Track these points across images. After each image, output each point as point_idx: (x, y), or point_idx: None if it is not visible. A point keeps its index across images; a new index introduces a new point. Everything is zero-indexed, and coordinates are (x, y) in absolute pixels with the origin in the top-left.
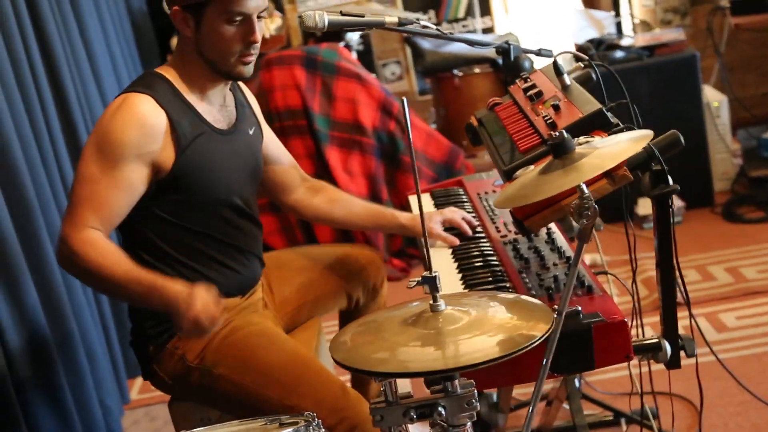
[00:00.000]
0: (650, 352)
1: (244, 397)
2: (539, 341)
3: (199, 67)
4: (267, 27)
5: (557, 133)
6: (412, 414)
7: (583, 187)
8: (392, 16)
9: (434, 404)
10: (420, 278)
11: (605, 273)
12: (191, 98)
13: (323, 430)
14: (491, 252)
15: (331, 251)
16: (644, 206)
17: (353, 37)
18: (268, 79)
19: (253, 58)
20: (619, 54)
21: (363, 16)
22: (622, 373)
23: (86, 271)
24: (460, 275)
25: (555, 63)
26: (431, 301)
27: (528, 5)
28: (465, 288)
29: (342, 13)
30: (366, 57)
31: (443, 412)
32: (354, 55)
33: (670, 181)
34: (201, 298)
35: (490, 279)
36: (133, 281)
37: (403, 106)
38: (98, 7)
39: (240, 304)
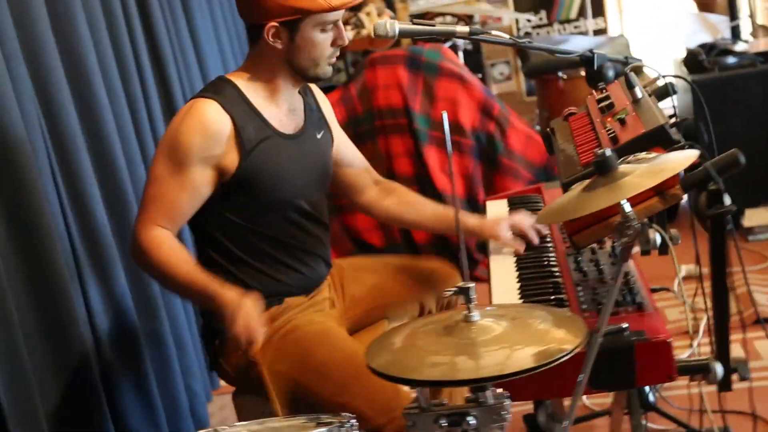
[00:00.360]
0: (699, 372)
1: (299, 394)
2: (566, 356)
3: (274, 75)
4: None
5: (600, 151)
6: (442, 422)
7: (625, 205)
8: (464, 27)
9: (465, 413)
10: (456, 288)
11: (665, 289)
12: (258, 103)
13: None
14: (554, 263)
15: (411, 262)
16: (751, 218)
17: None
18: (372, 77)
19: (334, 60)
20: (731, 60)
21: (434, 26)
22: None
23: (151, 267)
24: (519, 284)
25: (626, 75)
26: (465, 312)
27: (642, 7)
28: (521, 297)
29: (413, 22)
30: (475, 57)
31: (473, 422)
32: (461, 56)
33: (727, 201)
34: (244, 316)
35: (547, 290)
36: (192, 283)
37: (443, 118)
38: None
39: (304, 303)
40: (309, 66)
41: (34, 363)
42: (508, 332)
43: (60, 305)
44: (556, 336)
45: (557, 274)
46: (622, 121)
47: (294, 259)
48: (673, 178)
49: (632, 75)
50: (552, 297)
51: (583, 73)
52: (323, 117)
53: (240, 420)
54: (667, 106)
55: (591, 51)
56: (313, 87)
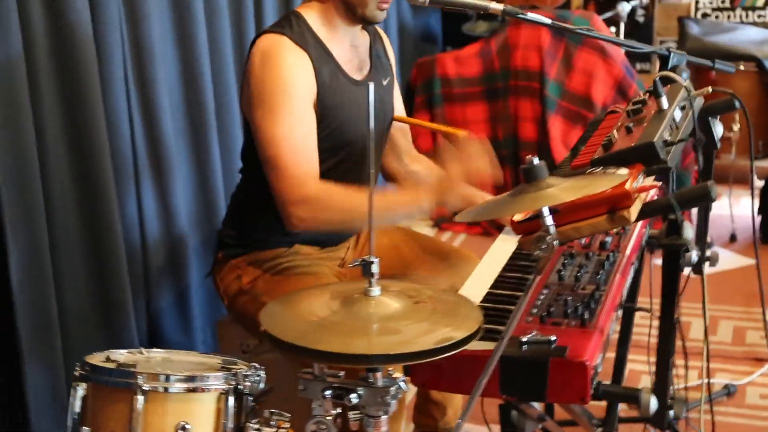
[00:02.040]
0: (626, 401)
1: None
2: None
3: (336, 7)
4: None
5: (529, 159)
6: (326, 393)
7: (546, 218)
8: (498, 4)
9: (351, 389)
10: (359, 260)
11: (643, 309)
12: (327, 38)
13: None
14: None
15: (437, 243)
16: None
17: (625, 7)
18: (515, 36)
19: (388, 5)
20: None
21: None
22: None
23: (333, 223)
24: (501, 271)
25: (654, 83)
26: (366, 285)
27: None
28: (492, 285)
29: None
30: (645, 32)
31: (355, 400)
32: (620, 28)
33: (689, 234)
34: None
35: (513, 285)
36: (384, 212)
37: (368, 93)
38: None
39: (313, 254)
40: (358, 3)
41: (68, 257)
42: (404, 313)
43: (105, 205)
44: (448, 326)
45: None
46: (628, 130)
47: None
48: (626, 200)
49: (659, 83)
50: (508, 293)
51: (742, 67)
52: (390, 65)
53: (221, 348)
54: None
55: (668, 50)
56: (382, 33)
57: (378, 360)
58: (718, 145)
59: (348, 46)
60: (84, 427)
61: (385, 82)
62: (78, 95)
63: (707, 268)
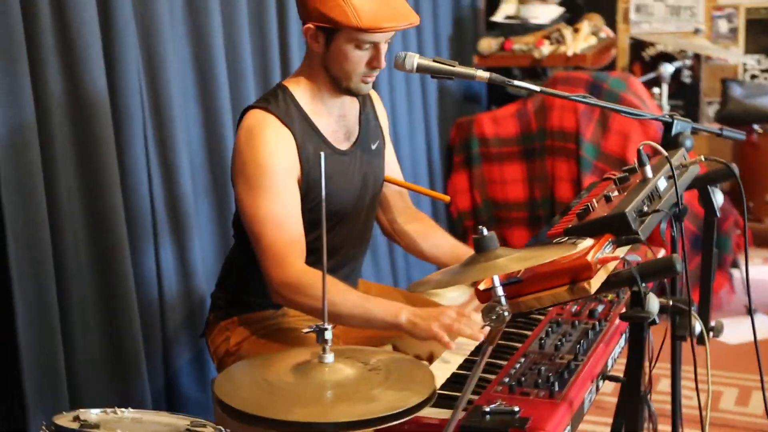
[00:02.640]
0: None
1: None
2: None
3: (322, 80)
4: (576, 42)
5: (480, 230)
6: None
7: (497, 289)
8: (485, 73)
9: None
10: (314, 327)
11: (618, 380)
12: (311, 111)
13: None
14: (530, 327)
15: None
16: None
17: (668, 68)
18: (552, 97)
19: (372, 79)
20: None
21: (455, 66)
22: None
23: (312, 310)
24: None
25: (638, 152)
26: (320, 352)
27: None
28: (472, 353)
29: (435, 60)
30: (692, 92)
31: None
32: (663, 89)
33: (652, 307)
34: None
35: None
36: (361, 317)
37: (319, 161)
38: None
39: (301, 316)
40: (341, 77)
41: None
42: (357, 380)
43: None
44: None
45: (521, 338)
46: (607, 199)
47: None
48: (586, 272)
49: (642, 152)
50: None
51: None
52: (380, 126)
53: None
54: None
55: (671, 116)
56: (374, 95)
57: (327, 428)
58: (718, 213)
59: (335, 117)
60: None
61: (374, 146)
62: (93, 156)
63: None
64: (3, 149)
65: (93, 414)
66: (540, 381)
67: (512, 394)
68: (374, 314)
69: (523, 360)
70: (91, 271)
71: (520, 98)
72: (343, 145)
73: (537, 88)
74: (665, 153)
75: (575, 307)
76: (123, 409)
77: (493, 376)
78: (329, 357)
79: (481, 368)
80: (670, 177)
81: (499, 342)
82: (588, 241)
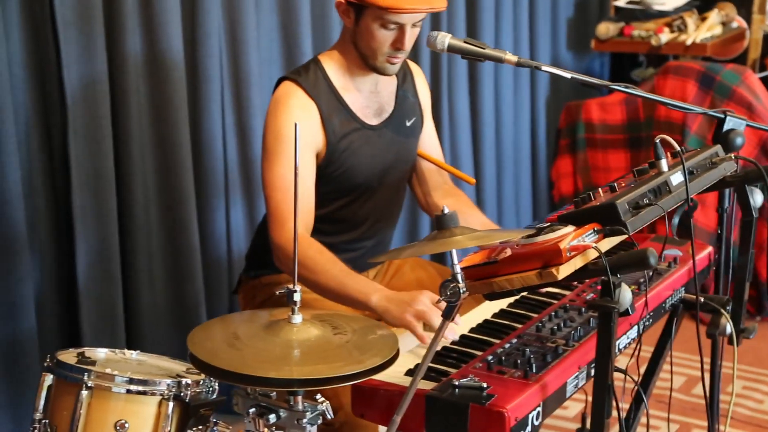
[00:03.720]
0: None
1: None
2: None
3: (352, 55)
4: (698, 32)
5: (443, 209)
6: (251, 410)
7: (456, 266)
8: (513, 56)
9: (273, 410)
10: (284, 289)
11: (619, 370)
12: (341, 86)
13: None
14: (537, 309)
15: None
16: None
17: None
18: (661, 85)
19: (399, 60)
20: None
21: (484, 48)
22: None
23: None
24: (496, 312)
25: (654, 145)
26: (290, 312)
27: None
28: (476, 327)
29: (465, 41)
30: None
31: (273, 420)
32: None
33: (623, 299)
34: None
35: (493, 331)
36: (339, 292)
37: (295, 132)
38: None
39: None
40: (368, 55)
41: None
42: (317, 342)
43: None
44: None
45: (522, 319)
46: (612, 189)
47: (338, 246)
48: (557, 257)
49: (659, 145)
50: (483, 338)
51: None
52: (419, 103)
53: None
54: None
55: (725, 113)
56: (415, 69)
57: (273, 383)
58: (755, 213)
59: (366, 93)
60: (37, 413)
61: (409, 123)
62: (166, 114)
63: None
64: (74, 102)
65: (100, 353)
66: (519, 362)
67: (489, 371)
68: (348, 290)
69: (515, 341)
70: (159, 223)
71: (644, 83)
72: (373, 120)
73: (568, 75)
74: (677, 146)
75: (592, 294)
76: (131, 351)
77: (480, 353)
78: (297, 318)
79: (439, 341)
80: (691, 173)
81: (501, 321)
82: (568, 228)
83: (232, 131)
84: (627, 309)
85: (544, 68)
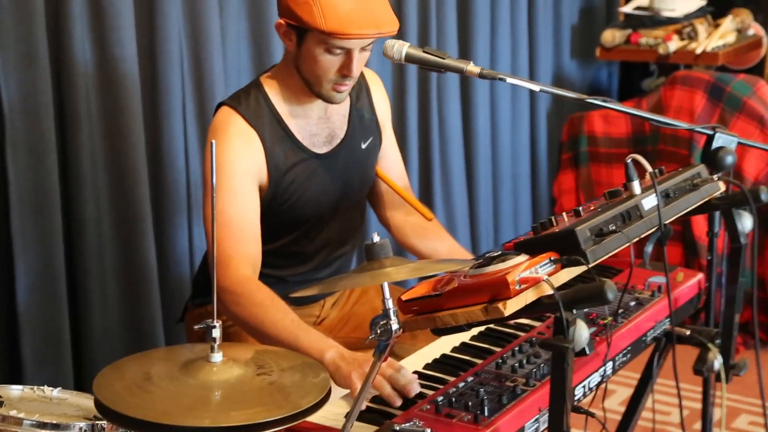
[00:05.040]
0: None
1: None
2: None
3: (296, 80)
4: (709, 39)
5: (372, 237)
6: None
7: (388, 301)
8: (475, 67)
9: None
10: (203, 324)
11: (588, 413)
12: (286, 112)
13: None
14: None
15: None
16: None
17: None
18: (668, 97)
19: (347, 87)
20: None
21: (445, 59)
22: None
23: (245, 324)
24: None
25: (626, 165)
26: (209, 351)
27: None
28: (435, 361)
29: (424, 51)
30: None
31: None
32: None
33: (578, 336)
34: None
35: (447, 367)
36: (290, 345)
37: (212, 150)
38: None
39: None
40: (312, 81)
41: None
42: (236, 384)
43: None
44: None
45: (484, 354)
46: (577, 214)
47: (290, 279)
48: (504, 291)
49: (630, 165)
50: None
51: None
52: (376, 120)
53: None
54: None
55: (713, 128)
56: (371, 79)
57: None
58: (742, 240)
59: (315, 119)
60: None
61: (365, 145)
62: (120, 126)
63: None
64: (12, 111)
65: (15, 390)
66: (471, 404)
67: (437, 414)
68: (301, 344)
69: (470, 379)
70: (112, 242)
71: (650, 94)
72: (323, 148)
73: (537, 87)
74: (648, 167)
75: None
76: (51, 388)
77: (431, 392)
78: (217, 356)
79: (369, 385)
80: (666, 195)
81: (460, 356)
82: (520, 258)
83: (195, 144)
84: (583, 348)
85: (509, 80)
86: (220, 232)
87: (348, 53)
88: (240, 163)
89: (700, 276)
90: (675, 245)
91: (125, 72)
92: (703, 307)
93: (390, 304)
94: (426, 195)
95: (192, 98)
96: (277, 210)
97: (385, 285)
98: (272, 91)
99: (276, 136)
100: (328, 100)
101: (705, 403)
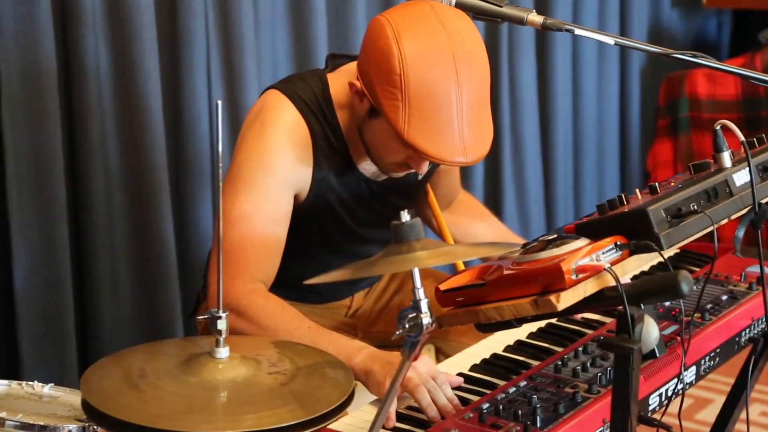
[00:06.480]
0: None
1: None
2: None
3: (357, 136)
4: None
5: (402, 215)
6: None
7: (418, 291)
8: (538, 17)
9: None
10: (207, 314)
11: (661, 426)
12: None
13: None
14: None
15: None
16: None
17: None
18: None
19: (403, 174)
20: None
21: (501, 6)
22: None
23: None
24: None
25: (714, 132)
26: (214, 345)
27: None
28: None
29: None
30: None
31: None
32: None
33: (646, 336)
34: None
35: (499, 370)
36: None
37: (217, 112)
38: None
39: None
40: (375, 155)
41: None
42: (243, 385)
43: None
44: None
45: (541, 354)
46: (653, 191)
47: (317, 290)
48: (558, 281)
49: (719, 132)
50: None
51: None
52: None
53: None
54: None
55: None
56: None
57: None
58: None
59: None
60: None
61: (421, 176)
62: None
63: None
64: (8, 69)
65: (1, 386)
66: (521, 413)
67: (481, 424)
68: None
69: (523, 383)
70: (125, 219)
71: (763, 49)
72: (378, 176)
73: (611, 40)
74: (741, 136)
75: None
76: (42, 385)
77: (477, 398)
78: (223, 351)
79: (396, 389)
80: (765, 169)
81: (513, 357)
82: (581, 242)
83: (222, 109)
84: (653, 350)
85: (577, 31)
86: (239, 238)
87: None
88: (283, 164)
89: None
90: None
91: (140, 23)
92: None
93: (421, 294)
94: (493, 170)
95: (217, 54)
96: (309, 227)
97: (416, 271)
98: (338, 99)
99: (329, 145)
100: (385, 173)
101: None
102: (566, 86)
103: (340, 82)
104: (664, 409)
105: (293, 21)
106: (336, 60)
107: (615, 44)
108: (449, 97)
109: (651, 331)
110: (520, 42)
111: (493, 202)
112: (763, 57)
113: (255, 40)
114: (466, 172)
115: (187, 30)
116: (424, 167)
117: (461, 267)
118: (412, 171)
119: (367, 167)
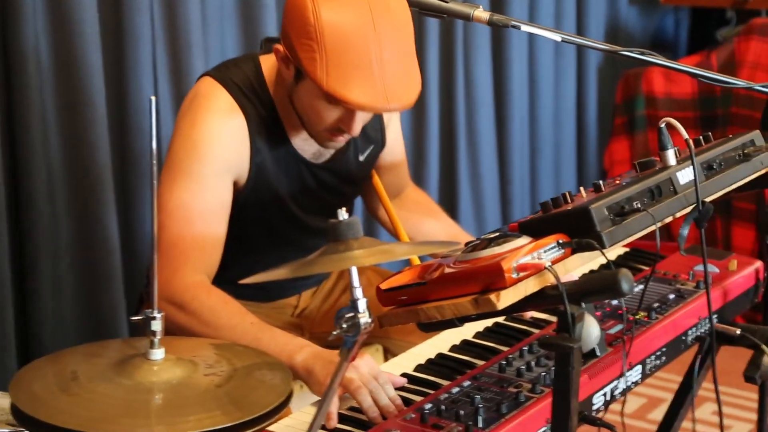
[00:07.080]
0: None
1: None
2: None
3: (289, 107)
4: None
5: (339, 214)
6: None
7: (355, 291)
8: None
9: None
10: (142, 315)
11: (604, 425)
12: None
13: None
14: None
15: None
16: None
17: None
18: (743, 50)
19: (343, 140)
20: None
21: (448, 2)
22: None
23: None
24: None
25: (659, 130)
26: (148, 346)
27: None
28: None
29: None
30: None
31: None
32: None
33: (586, 334)
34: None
35: (443, 370)
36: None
37: (150, 108)
38: None
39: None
40: (305, 121)
41: None
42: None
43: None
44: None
45: (487, 354)
46: (597, 188)
47: (264, 287)
48: (499, 280)
49: (664, 130)
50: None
51: None
52: (381, 129)
53: None
54: None
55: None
56: None
57: None
58: None
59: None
60: None
61: (362, 157)
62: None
63: None
64: None
65: None
66: (464, 413)
67: (422, 424)
68: (267, 349)
69: (467, 383)
70: (67, 215)
71: (722, 47)
72: (316, 158)
73: (558, 37)
74: (685, 134)
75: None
76: None
77: (420, 398)
78: (157, 353)
79: (335, 390)
80: (709, 167)
81: (459, 357)
82: (522, 240)
83: (168, 104)
84: (593, 349)
85: (523, 28)
86: (177, 228)
87: (350, 111)
88: (219, 150)
89: (758, 264)
90: (746, 228)
91: (82, 17)
92: (762, 301)
93: (359, 293)
94: (448, 168)
95: (163, 49)
96: (252, 216)
97: (354, 270)
98: (271, 78)
99: (266, 129)
100: (320, 144)
101: (761, 413)
102: (522, 84)
103: (273, 61)
104: (604, 408)
105: (242, 16)
106: (271, 42)
107: (562, 41)
108: (366, 45)
109: (591, 330)
110: (476, 40)
111: (449, 202)
112: (719, 55)
113: (202, 35)
114: (420, 171)
115: (132, 24)
116: (356, 127)
117: (416, 262)
118: (346, 136)
119: (306, 147)
